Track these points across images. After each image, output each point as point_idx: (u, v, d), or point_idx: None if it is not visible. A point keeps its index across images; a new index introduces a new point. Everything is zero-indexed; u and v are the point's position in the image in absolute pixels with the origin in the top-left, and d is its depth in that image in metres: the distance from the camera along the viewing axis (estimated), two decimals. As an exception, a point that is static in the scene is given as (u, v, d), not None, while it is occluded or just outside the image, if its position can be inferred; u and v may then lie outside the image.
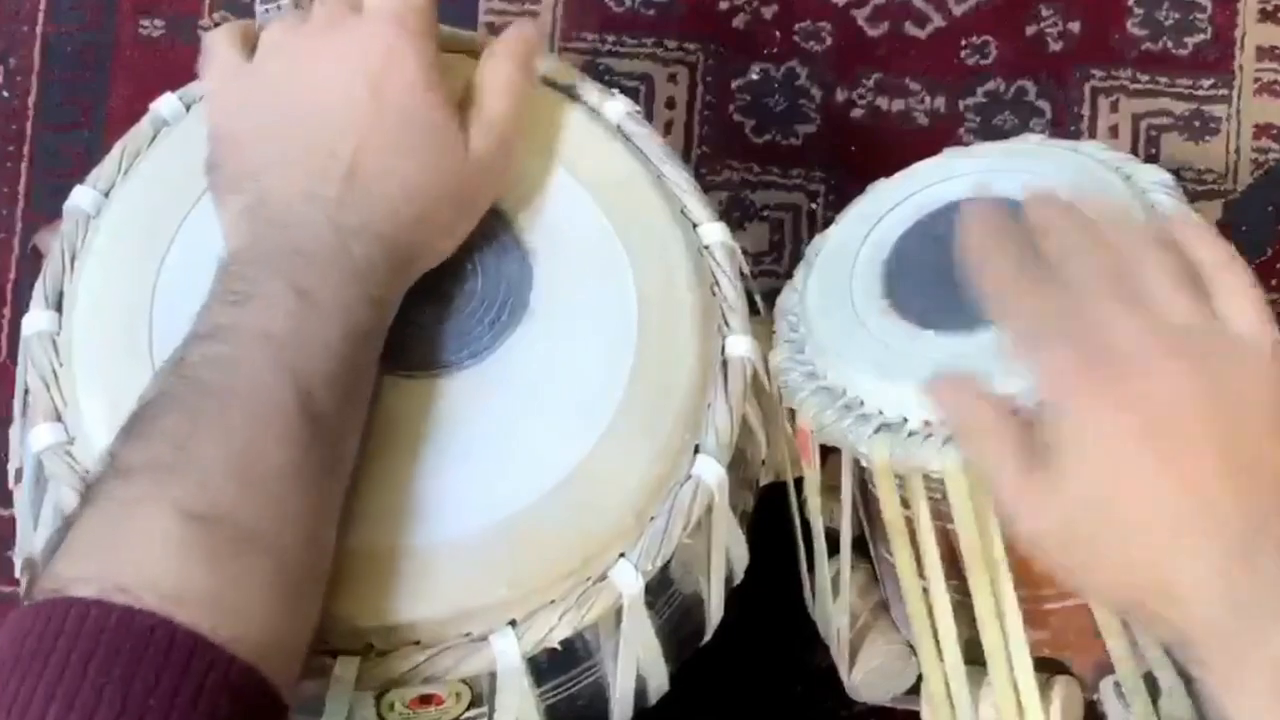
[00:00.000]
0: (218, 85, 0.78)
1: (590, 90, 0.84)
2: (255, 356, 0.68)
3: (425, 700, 0.74)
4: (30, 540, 0.80)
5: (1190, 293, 0.70)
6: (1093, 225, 0.73)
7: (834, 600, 0.88)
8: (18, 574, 0.86)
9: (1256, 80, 1.06)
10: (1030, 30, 1.06)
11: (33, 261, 0.93)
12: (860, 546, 0.87)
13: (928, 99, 1.05)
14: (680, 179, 0.83)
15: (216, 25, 1.06)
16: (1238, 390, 0.68)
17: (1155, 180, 0.82)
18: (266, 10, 0.79)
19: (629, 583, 0.74)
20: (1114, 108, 1.05)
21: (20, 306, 0.79)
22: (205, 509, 0.64)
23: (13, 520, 0.85)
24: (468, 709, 0.75)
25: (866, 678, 0.89)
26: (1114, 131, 1.05)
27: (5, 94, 1.06)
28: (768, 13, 1.07)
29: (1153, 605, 0.68)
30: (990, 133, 1.04)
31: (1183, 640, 0.67)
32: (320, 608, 0.69)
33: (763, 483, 0.87)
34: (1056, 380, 0.69)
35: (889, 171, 0.88)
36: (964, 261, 0.74)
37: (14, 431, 0.82)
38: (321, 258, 0.71)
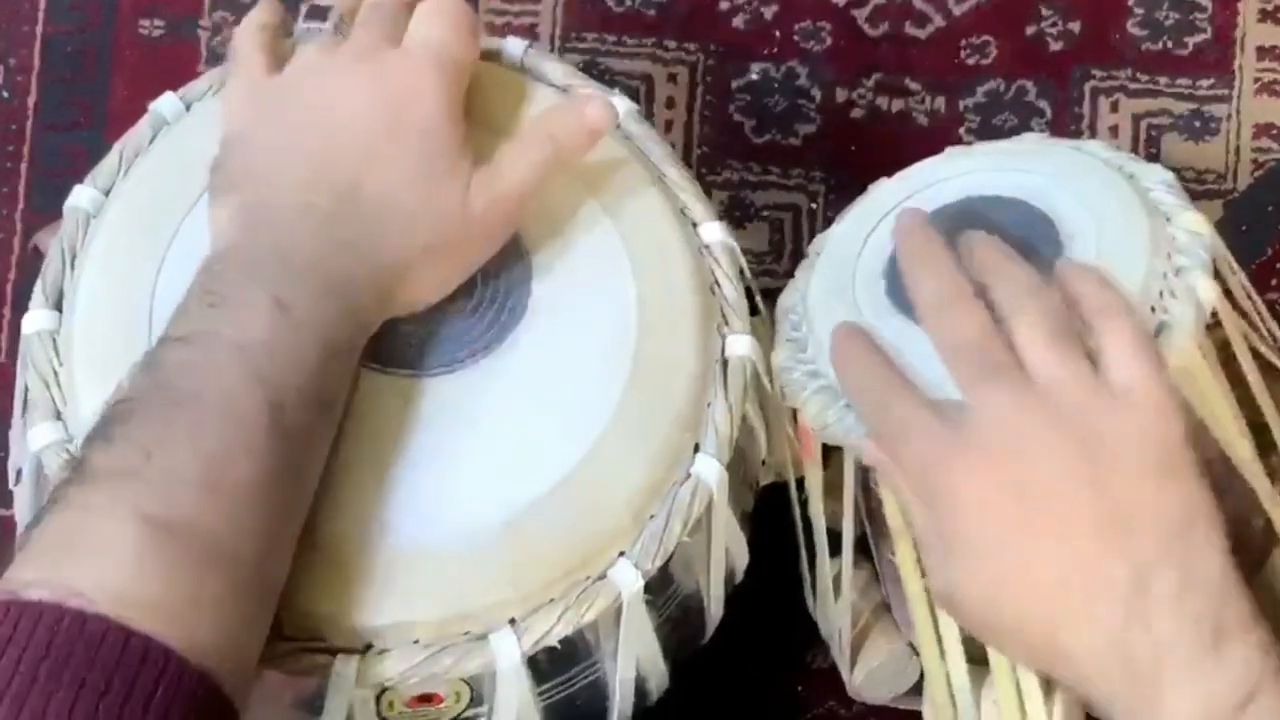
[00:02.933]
0: (242, 93, 0.78)
1: (590, 90, 0.84)
2: (228, 366, 0.68)
3: (425, 699, 0.74)
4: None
5: (1063, 346, 0.70)
6: (957, 271, 0.74)
7: (835, 600, 0.87)
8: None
9: (1256, 80, 1.06)
10: (1030, 30, 1.06)
11: (32, 261, 0.93)
12: (862, 546, 0.87)
13: (928, 99, 1.05)
14: (680, 179, 0.83)
15: (216, 26, 1.06)
16: (1111, 446, 0.68)
17: (1159, 180, 0.82)
18: (308, 29, 0.78)
19: (628, 582, 0.74)
20: (1114, 108, 1.05)
21: (20, 307, 0.79)
22: (168, 517, 0.64)
23: (13, 520, 0.85)
24: (467, 707, 0.75)
25: (868, 678, 0.89)
26: (1114, 131, 1.05)
27: (5, 94, 1.06)
28: (768, 13, 1.07)
29: (1056, 670, 0.70)
30: (990, 133, 1.04)
31: (1090, 703, 0.70)
32: (272, 617, 0.69)
33: (764, 483, 0.87)
34: (920, 472, 0.71)
35: (889, 171, 0.88)
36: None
37: (14, 432, 0.82)
38: (303, 269, 0.71)
